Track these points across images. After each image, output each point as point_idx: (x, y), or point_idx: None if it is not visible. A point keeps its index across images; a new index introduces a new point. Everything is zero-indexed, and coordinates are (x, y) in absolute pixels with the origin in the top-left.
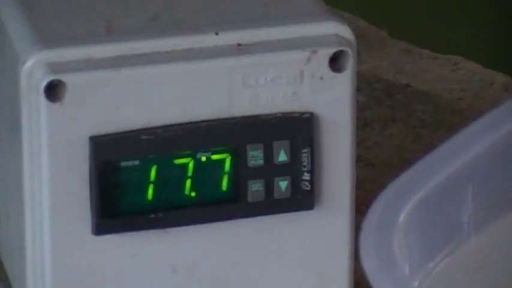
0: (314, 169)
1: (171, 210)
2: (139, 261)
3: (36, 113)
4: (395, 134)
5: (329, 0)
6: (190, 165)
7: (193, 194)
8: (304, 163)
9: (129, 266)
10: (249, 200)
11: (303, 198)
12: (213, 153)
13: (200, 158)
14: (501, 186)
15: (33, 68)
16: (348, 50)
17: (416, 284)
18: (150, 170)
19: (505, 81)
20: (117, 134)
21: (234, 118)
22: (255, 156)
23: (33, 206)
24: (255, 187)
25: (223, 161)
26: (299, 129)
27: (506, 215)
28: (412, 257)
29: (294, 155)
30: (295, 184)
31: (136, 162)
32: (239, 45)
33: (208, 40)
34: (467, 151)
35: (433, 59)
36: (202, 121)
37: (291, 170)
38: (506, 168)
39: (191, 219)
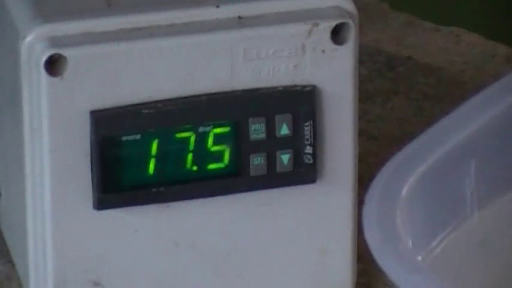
0: (316, 142)
1: (172, 185)
2: (141, 236)
3: (36, 88)
4: (397, 107)
5: None
6: (192, 139)
7: (194, 168)
8: (307, 136)
9: (131, 240)
10: (251, 173)
11: (305, 172)
12: (215, 127)
13: (202, 132)
14: (504, 159)
15: (34, 43)
16: (350, 22)
17: (419, 258)
18: (151, 144)
19: (507, 52)
20: (117, 108)
21: (236, 91)
22: (256, 130)
23: (34, 180)
24: (257, 161)
25: (224, 134)
26: (301, 103)
27: (510, 189)
28: (414, 231)
29: (296, 128)
30: (297, 158)
31: (138, 137)
32: (240, 18)
33: (209, 13)
34: (469, 124)
35: (435, 31)
36: (204, 94)
37: (293, 143)
38: (509, 141)
39: (193, 193)
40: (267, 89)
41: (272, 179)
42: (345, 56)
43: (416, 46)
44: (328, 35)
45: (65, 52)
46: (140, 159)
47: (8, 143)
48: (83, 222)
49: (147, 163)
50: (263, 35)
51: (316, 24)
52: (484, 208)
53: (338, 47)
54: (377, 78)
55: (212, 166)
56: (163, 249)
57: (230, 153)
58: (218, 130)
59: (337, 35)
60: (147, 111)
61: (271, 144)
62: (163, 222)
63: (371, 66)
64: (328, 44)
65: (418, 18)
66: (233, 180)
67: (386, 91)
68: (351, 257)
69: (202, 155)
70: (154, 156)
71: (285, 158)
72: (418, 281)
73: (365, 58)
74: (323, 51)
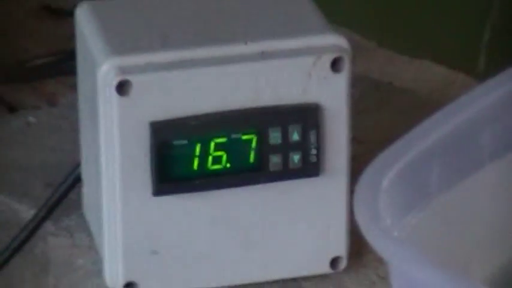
0: (320, 146)
1: (211, 177)
2: (188, 215)
3: (109, 105)
4: (381, 120)
5: (329, 18)
6: (226, 143)
7: (228, 165)
8: (312, 141)
9: (181, 219)
10: (270, 169)
11: (311, 168)
12: (243, 134)
13: (233, 138)
14: (460, 157)
15: (107, 71)
16: (345, 56)
17: (395, 233)
18: (195, 147)
19: (463, 79)
20: (170, 120)
21: (259, 108)
22: (274, 136)
23: (108, 175)
24: (275, 159)
25: (250, 140)
26: (308, 116)
27: (465, 177)
28: (393, 212)
29: (305, 135)
30: (305, 157)
31: (185, 142)
32: (263, 52)
33: (239, 48)
34: (434, 132)
35: (409, 63)
36: (235, 110)
37: (302, 146)
38: (463, 145)
39: (227, 184)
40: (283, 106)
41: (286, 174)
42: (341, 81)
43: (396, 74)
44: (328, 65)
45: (131, 78)
46: (187, 158)
47: (89, 147)
48: (144, 205)
49: (192, 161)
50: (280, 65)
51: (320, 57)
52: (447, 192)
53: (336, 74)
54: (366, 98)
55: (241, 164)
56: (203, 226)
57: (254, 154)
58: (245, 137)
59: (335, 65)
60: (192, 122)
61: (286, 147)
62: (205, 205)
63: (361, 88)
64: (329, 72)
65: (398, 53)
66: (257, 174)
67: (373, 107)
68: (346, 232)
69: (234, 155)
70: (198, 156)
71: (296, 157)
72: (394, 248)
73: (357, 83)
74: (325, 78)
